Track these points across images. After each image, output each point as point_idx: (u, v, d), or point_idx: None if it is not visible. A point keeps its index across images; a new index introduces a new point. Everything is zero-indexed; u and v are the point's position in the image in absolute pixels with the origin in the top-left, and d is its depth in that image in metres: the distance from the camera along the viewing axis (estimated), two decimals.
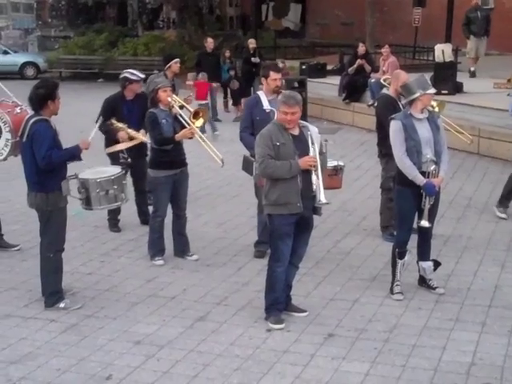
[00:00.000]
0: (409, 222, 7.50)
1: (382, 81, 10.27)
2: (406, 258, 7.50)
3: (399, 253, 7.50)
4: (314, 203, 6.72)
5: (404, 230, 7.51)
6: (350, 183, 11.23)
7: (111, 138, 9.24)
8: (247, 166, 8.48)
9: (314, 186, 6.60)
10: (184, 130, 8.28)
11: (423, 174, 7.24)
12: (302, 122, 6.79)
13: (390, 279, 7.61)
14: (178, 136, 8.25)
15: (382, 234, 9.36)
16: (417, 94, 7.25)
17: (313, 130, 6.78)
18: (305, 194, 6.62)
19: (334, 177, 8.30)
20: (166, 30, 39.14)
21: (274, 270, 6.83)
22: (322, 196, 6.59)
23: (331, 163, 8.13)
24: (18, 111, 7.90)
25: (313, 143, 6.67)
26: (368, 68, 17.89)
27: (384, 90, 9.45)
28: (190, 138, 8.44)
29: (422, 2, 24.10)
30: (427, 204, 7.29)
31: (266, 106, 8.33)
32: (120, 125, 8.86)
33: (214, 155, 8.61)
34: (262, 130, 6.75)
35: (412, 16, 24.34)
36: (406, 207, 7.44)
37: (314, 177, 6.61)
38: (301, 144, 6.63)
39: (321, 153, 6.73)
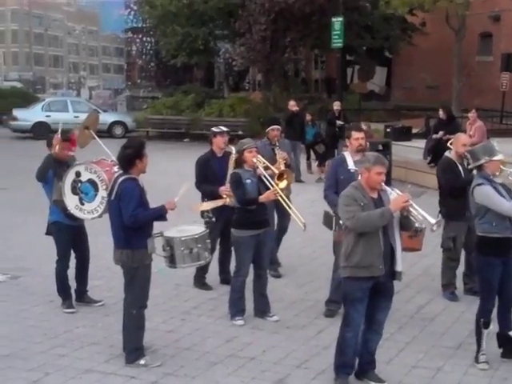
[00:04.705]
0: (494, 291, 7.31)
1: (448, 144, 9.96)
2: (491, 327, 7.30)
3: (484, 322, 7.29)
4: (394, 268, 6.63)
5: (489, 299, 7.33)
6: (434, 248, 11.03)
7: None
8: (328, 221, 8.63)
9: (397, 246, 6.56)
10: (268, 192, 8.30)
11: None
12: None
13: (474, 347, 7.40)
14: (261, 198, 8.28)
15: (443, 292, 9.38)
16: (481, 161, 7.19)
17: (390, 192, 6.73)
18: (385, 258, 6.54)
19: (413, 238, 8.17)
20: (252, 92, 39.88)
21: (344, 335, 6.73)
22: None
23: None
24: (116, 170, 7.98)
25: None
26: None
27: (446, 153, 9.36)
28: (274, 200, 8.47)
29: (510, 66, 23.92)
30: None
31: (351, 165, 8.36)
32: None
33: (297, 218, 8.59)
34: (344, 191, 6.71)
35: (500, 80, 24.16)
36: (491, 277, 7.25)
37: (397, 236, 6.56)
38: (381, 206, 6.58)
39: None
